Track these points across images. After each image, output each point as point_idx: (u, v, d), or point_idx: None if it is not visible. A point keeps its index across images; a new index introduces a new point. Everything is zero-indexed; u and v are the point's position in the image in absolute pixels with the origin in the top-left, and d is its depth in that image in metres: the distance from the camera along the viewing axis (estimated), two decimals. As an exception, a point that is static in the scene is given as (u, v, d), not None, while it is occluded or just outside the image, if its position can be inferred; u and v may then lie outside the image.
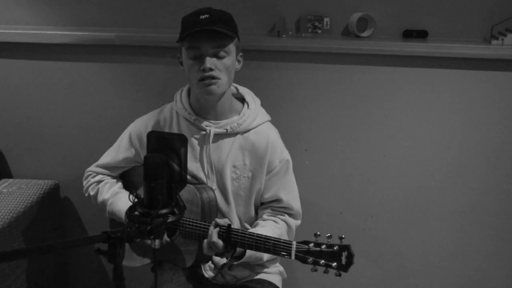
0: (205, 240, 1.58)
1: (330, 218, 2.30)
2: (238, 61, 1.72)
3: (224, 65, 1.63)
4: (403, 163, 2.22)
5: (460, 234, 2.28)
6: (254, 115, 1.74)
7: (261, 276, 1.81)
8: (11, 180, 2.32)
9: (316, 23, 2.14)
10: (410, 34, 2.12)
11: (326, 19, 2.14)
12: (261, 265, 1.81)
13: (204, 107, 1.72)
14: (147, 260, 1.79)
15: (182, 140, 1.45)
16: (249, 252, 1.62)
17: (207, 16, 1.61)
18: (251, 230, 1.70)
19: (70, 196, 2.41)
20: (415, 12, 2.12)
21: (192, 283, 1.78)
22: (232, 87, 1.81)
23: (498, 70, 2.08)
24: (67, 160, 2.35)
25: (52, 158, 2.36)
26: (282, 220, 1.76)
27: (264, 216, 1.78)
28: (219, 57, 1.62)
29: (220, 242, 1.55)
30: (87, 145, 2.32)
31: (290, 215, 1.78)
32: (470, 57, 2.05)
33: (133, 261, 1.83)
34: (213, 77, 1.61)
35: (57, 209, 2.35)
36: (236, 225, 1.76)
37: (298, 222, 1.81)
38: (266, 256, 1.69)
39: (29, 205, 2.13)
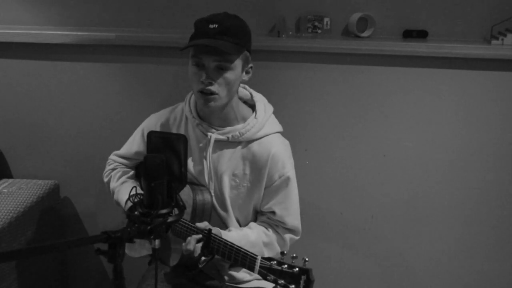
0: (183, 244, 1.58)
1: (330, 218, 2.30)
2: (247, 72, 1.68)
3: (225, 80, 1.59)
4: (403, 163, 2.22)
5: (460, 233, 2.28)
6: (260, 125, 1.70)
7: (258, 283, 1.79)
8: (11, 180, 2.32)
9: (316, 23, 2.14)
10: (410, 34, 2.12)
11: (326, 19, 2.14)
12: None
13: (207, 114, 1.71)
14: (144, 252, 1.80)
15: (182, 140, 1.45)
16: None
17: (216, 26, 1.57)
18: (235, 230, 1.69)
19: (70, 196, 2.41)
20: (415, 12, 2.12)
21: (182, 282, 1.77)
22: (246, 92, 1.79)
23: (498, 70, 2.08)
24: (67, 160, 2.35)
25: (52, 158, 2.36)
26: (275, 230, 1.74)
27: (258, 222, 1.77)
28: (221, 70, 1.59)
29: (197, 250, 1.53)
30: (87, 145, 2.32)
31: (284, 229, 1.75)
32: (470, 57, 2.05)
33: (133, 251, 1.83)
34: (211, 92, 1.59)
35: (57, 209, 2.35)
36: (234, 230, 1.75)
37: (295, 237, 1.77)
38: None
39: (29, 205, 2.13)
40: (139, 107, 2.22)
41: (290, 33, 2.15)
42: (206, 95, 1.60)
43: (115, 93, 2.26)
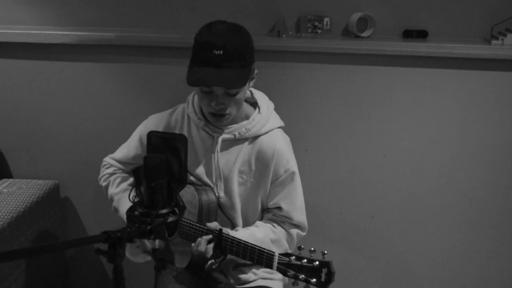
0: (193, 245, 1.58)
1: (330, 218, 2.30)
2: (252, 79, 1.67)
3: (235, 101, 1.60)
4: (403, 163, 2.22)
5: (460, 233, 2.28)
6: (264, 121, 1.71)
7: (263, 282, 1.80)
8: (11, 180, 2.32)
9: (316, 23, 2.14)
10: (410, 34, 2.12)
11: (326, 19, 2.14)
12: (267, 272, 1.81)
13: None
14: (149, 257, 1.80)
15: (182, 140, 1.45)
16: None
17: (221, 53, 1.51)
18: (242, 230, 1.70)
19: (70, 196, 2.41)
20: (415, 12, 2.12)
21: (195, 283, 1.77)
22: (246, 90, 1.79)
23: (498, 70, 2.08)
24: (67, 160, 2.35)
25: (52, 158, 2.36)
26: (282, 227, 1.75)
27: (264, 220, 1.77)
28: (231, 95, 1.58)
29: (209, 251, 1.53)
30: (87, 145, 2.32)
31: (290, 224, 1.76)
32: (470, 57, 2.05)
33: (137, 256, 1.83)
34: (223, 114, 1.61)
35: (57, 209, 2.35)
36: (240, 230, 1.75)
37: (301, 232, 1.77)
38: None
39: (29, 205, 2.13)
40: (139, 107, 2.22)
41: (290, 33, 2.15)
42: (218, 116, 1.62)
43: (115, 93, 2.26)
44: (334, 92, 2.17)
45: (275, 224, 1.75)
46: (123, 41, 2.15)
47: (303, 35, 2.15)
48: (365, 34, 2.13)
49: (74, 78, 2.25)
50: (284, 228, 1.75)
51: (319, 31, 2.14)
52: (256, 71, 1.67)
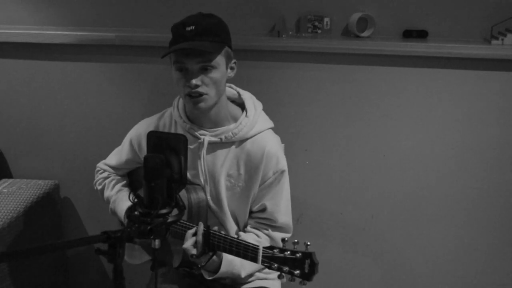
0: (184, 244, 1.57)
1: (330, 218, 2.30)
2: (231, 68, 1.67)
3: (211, 80, 1.59)
4: (403, 163, 2.22)
5: (460, 233, 2.28)
6: (252, 124, 1.69)
7: (260, 282, 1.80)
8: (11, 180, 2.32)
9: (316, 23, 2.14)
10: (410, 34, 2.12)
11: (326, 19, 2.14)
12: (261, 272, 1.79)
13: (198, 116, 1.70)
14: (146, 258, 1.80)
15: (182, 140, 1.45)
16: (223, 269, 1.60)
17: (193, 28, 1.57)
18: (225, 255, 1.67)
19: (70, 196, 2.41)
20: (415, 12, 2.12)
21: (189, 282, 1.77)
22: (233, 91, 1.78)
23: (498, 70, 2.08)
24: (67, 160, 2.35)
25: (52, 158, 2.36)
26: (265, 234, 1.73)
27: (248, 228, 1.76)
28: (206, 71, 1.58)
29: (198, 245, 1.52)
30: (87, 145, 2.32)
31: (274, 228, 1.74)
32: (470, 57, 2.05)
33: (133, 258, 1.83)
34: (200, 94, 1.59)
35: (57, 209, 2.35)
36: (232, 232, 1.75)
37: (286, 235, 1.74)
38: (244, 273, 1.66)
39: (29, 205, 2.13)
40: (139, 107, 2.22)
41: (290, 33, 2.15)
42: (195, 97, 1.60)
43: (115, 93, 2.26)
44: (334, 92, 2.17)
45: (258, 233, 1.73)
46: (123, 41, 2.15)
47: (303, 35, 2.15)
48: (365, 34, 2.13)
49: (74, 78, 2.26)
50: (268, 235, 1.73)
51: (319, 31, 2.14)
52: (234, 61, 1.68)
